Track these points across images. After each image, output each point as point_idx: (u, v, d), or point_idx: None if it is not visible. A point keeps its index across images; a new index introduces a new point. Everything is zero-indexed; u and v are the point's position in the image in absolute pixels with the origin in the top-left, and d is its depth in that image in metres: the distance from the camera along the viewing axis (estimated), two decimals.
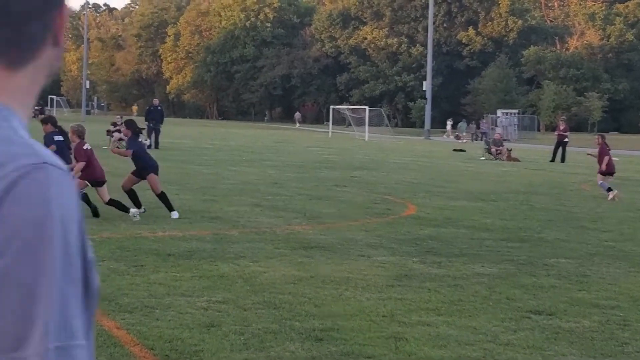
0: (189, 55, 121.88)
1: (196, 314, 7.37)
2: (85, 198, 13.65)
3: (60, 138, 14.55)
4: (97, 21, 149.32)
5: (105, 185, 13.65)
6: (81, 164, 13.48)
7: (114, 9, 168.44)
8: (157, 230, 12.19)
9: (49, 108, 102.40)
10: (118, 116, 38.35)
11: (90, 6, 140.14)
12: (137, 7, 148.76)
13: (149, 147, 34.64)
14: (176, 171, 23.39)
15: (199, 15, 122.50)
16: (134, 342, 6.42)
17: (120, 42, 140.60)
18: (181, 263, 9.70)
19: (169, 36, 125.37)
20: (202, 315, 7.35)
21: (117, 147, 34.36)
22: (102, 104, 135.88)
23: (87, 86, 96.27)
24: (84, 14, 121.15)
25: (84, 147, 13.67)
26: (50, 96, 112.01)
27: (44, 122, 15.00)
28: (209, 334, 6.76)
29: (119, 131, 35.50)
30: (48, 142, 14.10)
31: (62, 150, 13.77)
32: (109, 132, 36.08)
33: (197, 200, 16.45)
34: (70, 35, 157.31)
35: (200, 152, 34.95)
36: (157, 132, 35.55)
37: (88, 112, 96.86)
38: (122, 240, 11.09)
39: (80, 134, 13.86)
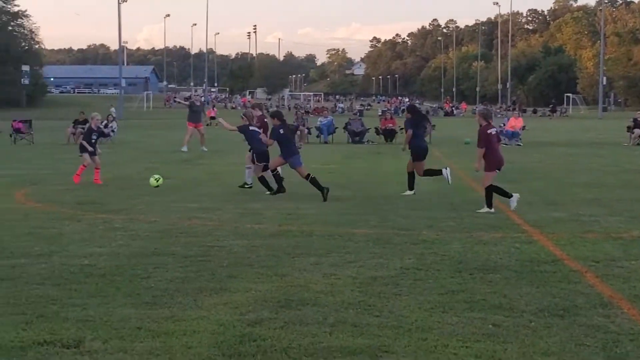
0: None
1: None
2: (278, 178, 15.26)
3: (282, 131, 15.49)
4: (614, 16, 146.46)
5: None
6: (481, 151, 13.63)
7: (631, 2, 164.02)
8: None
9: (565, 106, 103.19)
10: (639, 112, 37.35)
11: (606, 1, 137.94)
12: None
13: None
14: None
15: None
16: None
17: (638, 36, 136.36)
18: None
19: None
20: None
21: (638, 144, 33.62)
22: (619, 100, 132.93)
23: (604, 82, 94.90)
24: (600, 10, 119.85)
25: (488, 131, 13.68)
26: (566, 94, 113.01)
27: (272, 116, 16.02)
28: None
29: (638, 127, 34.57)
30: (274, 135, 15.44)
31: (287, 143, 15.35)
32: (629, 129, 35.41)
33: None
34: (586, 32, 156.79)
35: None
36: None
37: (604, 109, 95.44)
38: None
39: (486, 117, 13.99)
